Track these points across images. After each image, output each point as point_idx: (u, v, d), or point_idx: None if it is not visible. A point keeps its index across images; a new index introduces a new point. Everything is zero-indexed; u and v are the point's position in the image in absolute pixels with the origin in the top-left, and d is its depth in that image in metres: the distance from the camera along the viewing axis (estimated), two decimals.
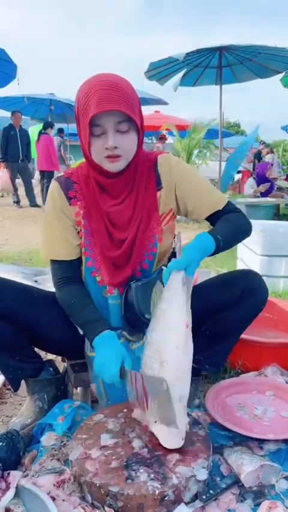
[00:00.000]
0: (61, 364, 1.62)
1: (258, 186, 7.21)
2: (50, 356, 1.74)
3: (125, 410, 1.26)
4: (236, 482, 1.09)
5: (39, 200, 7.99)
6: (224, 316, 1.37)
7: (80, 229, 1.32)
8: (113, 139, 1.16)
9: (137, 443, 1.12)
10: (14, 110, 8.06)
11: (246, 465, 1.09)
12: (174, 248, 1.42)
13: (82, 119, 1.18)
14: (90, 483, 1.01)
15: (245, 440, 1.25)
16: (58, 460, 1.16)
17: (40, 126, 8.78)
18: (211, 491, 1.05)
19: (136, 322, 1.32)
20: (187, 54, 5.88)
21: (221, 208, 1.33)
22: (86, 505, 0.99)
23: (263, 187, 7.08)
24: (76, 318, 1.32)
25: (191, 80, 6.95)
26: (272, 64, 6.27)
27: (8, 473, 1.08)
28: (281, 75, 6.63)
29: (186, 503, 1.01)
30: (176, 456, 1.08)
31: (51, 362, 1.57)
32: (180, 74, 6.61)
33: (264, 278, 1.40)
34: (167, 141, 11.21)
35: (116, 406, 1.30)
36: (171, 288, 1.14)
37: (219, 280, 1.46)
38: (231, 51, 6.18)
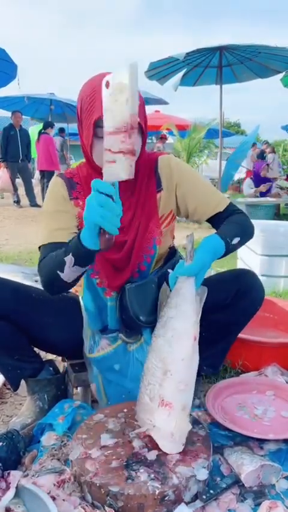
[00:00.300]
0: (61, 364, 1.62)
1: (255, 185, 7.20)
2: (50, 356, 1.74)
3: (125, 410, 1.26)
4: (236, 482, 1.09)
5: (39, 200, 7.97)
6: (220, 317, 1.36)
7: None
8: None
9: (137, 443, 1.12)
10: (14, 109, 8.05)
11: (247, 465, 1.09)
12: (172, 248, 1.41)
13: (86, 119, 1.17)
14: (91, 483, 1.01)
15: (245, 440, 1.25)
16: (58, 459, 1.16)
17: (40, 126, 8.79)
18: (211, 491, 1.05)
19: (132, 325, 1.32)
20: (187, 53, 5.87)
21: (222, 209, 1.32)
22: (86, 505, 0.99)
23: (264, 187, 7.07)
24: (60, 259, 1.12)
25: (191, 79, 6.95)
26: (272, 64, 6.26)
27: (8, 473, 1.08)
28: (281, 75, 6.61)
29: (187, 503, 1.01)
30: (176, 456, 1.08)
31: (51, 362, 1.57)
32: (180, 74, 6.60)
33: (264, 278, 1.40)
34: (167, 141, 11.21)
35: (116, 406, 1.30)
36: (180, 294, 1.11)
37: (214, 281, 1.45)
38: (231, 51, 6.17)
